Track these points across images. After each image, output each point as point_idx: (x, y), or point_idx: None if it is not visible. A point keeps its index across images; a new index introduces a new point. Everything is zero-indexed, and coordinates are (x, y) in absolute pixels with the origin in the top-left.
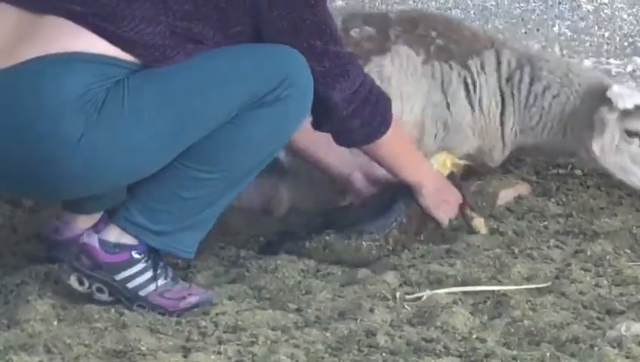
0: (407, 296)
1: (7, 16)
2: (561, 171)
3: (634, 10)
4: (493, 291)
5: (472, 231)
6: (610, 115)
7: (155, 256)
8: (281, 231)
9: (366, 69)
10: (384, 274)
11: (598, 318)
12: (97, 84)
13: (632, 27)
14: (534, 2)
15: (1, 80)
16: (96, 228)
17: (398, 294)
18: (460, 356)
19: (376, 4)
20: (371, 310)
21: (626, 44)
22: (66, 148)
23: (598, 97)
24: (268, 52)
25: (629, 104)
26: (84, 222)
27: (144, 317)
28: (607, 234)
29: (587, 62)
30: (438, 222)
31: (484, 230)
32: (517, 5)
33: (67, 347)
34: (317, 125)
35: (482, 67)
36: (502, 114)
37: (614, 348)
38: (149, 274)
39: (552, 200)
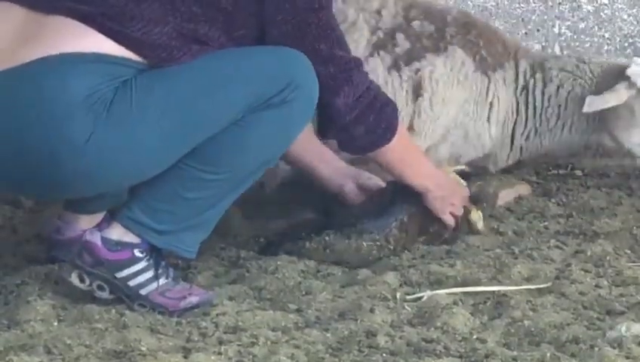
0: (408, 297)
1: (13, 15)
2: (561, 172)
3: (634, 10)
4: (494, 291)
5: (471, 228)
6: (625, 91)
7: (156, 256)
8: (281, 231)
9: (413, 67)
10: (384, 275)
11: (599, 319)
12: (105, 84)
13: (632, 28)
14: (535, 3)
15: (8, 80)
16: (98, 226)
17: (398, 295)
18: (460, 356)
19: None
20: (371, 310)
21: (626, 44)
22: (72, 148)
23: (616, 76)
24: (274, 55)
25: None
26: (86, 222)
27: (144, 318)
28: (608, 235)
29: None
30: (445, 223)
31: (480, 223)
32: (517, 6)
33: (67, 347)
34: (321, 132)
35: (504, 80)
36: (515, 122)
37: (614, 348)
38: (150, 273)
39: (553, 200)
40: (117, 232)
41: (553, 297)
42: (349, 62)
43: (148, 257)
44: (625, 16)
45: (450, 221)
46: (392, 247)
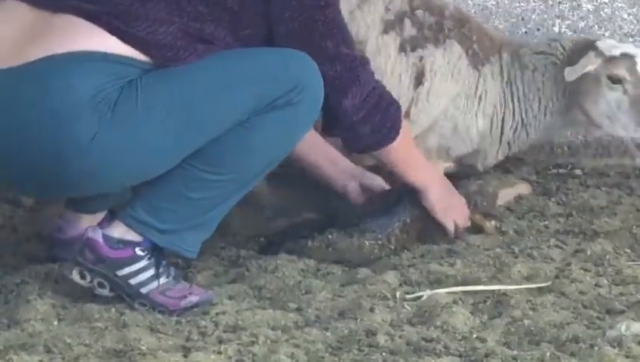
0: (408, 296)
1: (19, 13)
2: (561, 171)
3: (634, 9)
4: (494, 291)
5: (482, 232)
6: (596, 59)
7: (158, 255)
8: (281, 230)
9: (417, 54)
10: (384, 274)
11: (598, 318)
12: (111, 83)
13: (632, 27)
14: (535, 2)
15: (14, 78)
16: (101, 224)
17: (398, 294)
18: (460, 356)
19: None
20: (371, 309)
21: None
22: (77, 147)
23: (586, 48)
24: (280, 56)
25: (615, 52)
26: (87, 221)
27: (144, 317)
28: (607, 234)
29: None
30: (445, 227)
31: (493, 231)
32: (517, 5)
33: (67, 346)
34: (326, 130)
35: (492, 74)
36: (503, 115)
37: (614, 347)
38: (151, 272)
39: (552, 199)
40: (119, 230)
41: (553, 296)
42: (355, 61)
43: (149, 256)
44: (625, 15)
45: (450, 225)
46: (392, 247)
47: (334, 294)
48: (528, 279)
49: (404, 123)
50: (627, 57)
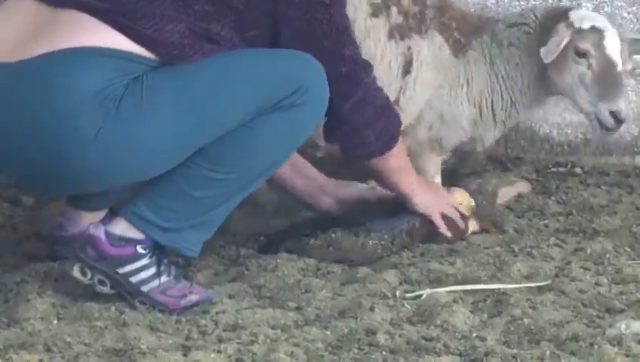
0: (408, 295)
1: (25, 8)
2: (560, 169)
3: (634, 8)
4: (493, 289)
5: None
6: (565, 30)
7: (159, 253)
8: (282, 229)
9: (406, 43)
10: (384, 273)
11: (598, 316)
12: (117, 79)
13: (632, 25)
14: (534, 0)
15: (19, 73)
16: (103, 221)
17: (398, 293)
18: (460, 354)
19: None
20: (371, 308)
21: None
22: (81, 143)
23: (559, 16)
24: (285, 57)
25: (585, 24)
26: (89, 218)
27: (144, 316)
28: (607, 233)
29: None
30: (438, 227)
31: (476, 227)
32: (517, 3)
33: (67, 345)
34: (328, 135)
35: (475, 60)
36: (492, 99)
37: (614, 346)
38: (152, 270)
39: (552, 198)
40: (121, 227)
41: (553, 295)
42: (359, 63)
43: (151, 254)
44: (625, 14)
45: (439, 222)
46: (395, 249)
47: (334, 293)
48: (528, 278)
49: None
50: (595, 31)
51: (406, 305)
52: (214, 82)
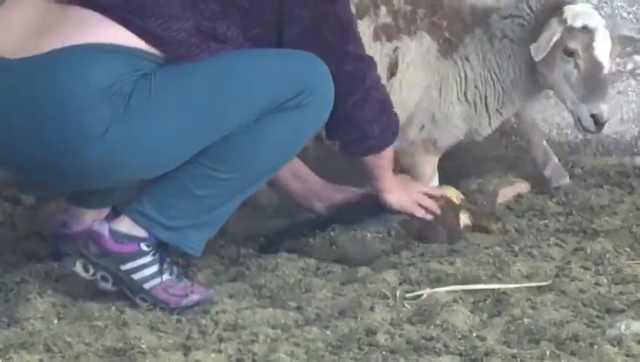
0: (408, 295)
1: (31, 4)
2: None
3: (634, 8)
4: (493, 289)
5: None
6: (557, 26)
7: (162, 251)
8: (281, 229)
9: (392, 45)
10: (384, 273)
11: (598, 316)
12: (125, 75)
13: (631, 26)
14: None
15: (29, 68)
16: (107, 218)
17: (398, 292)
18: (459, 354)
19: None
20: (371, 308)
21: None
22: (89, 139)
23: (554, 10)
24: (291, 58)
25: (577, 23)
26: (92, 216)
27: (144, 315)
28: (607, 233)
29: None
30: (420, 219)
31: (467, 220)
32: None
33: (67, 345)
34: (331, 133)
35: (467, 58)
36: (485, 93)
37: (614, 346)
38: (155, 268)
39: (552, 198)
40: (125, 225)
41: (553, 295)
42: (363, 60)
43: (154, 252)
44: (624, 14)
45: (421, 213)
46: (392, 241)
47: (334, 293)
48: (528, 278)
49: None
50: (586, 31)
51: (406, 304)
52: (221, 82)
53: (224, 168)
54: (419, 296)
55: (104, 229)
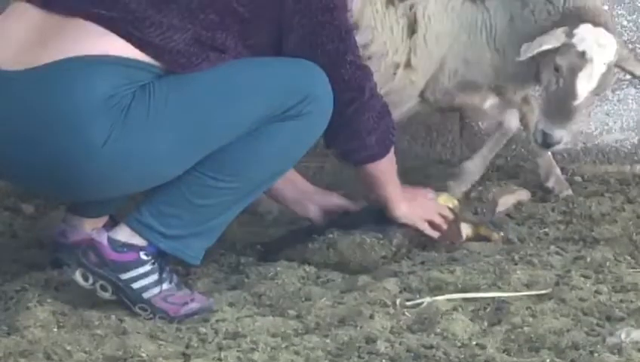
0: (408, 303)
1: (29, 16)
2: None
3: (634, 16)
4: (493, 298)
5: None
6: (560, 37)
7: (161, 260)
8: (280, 238)
9: (407, 3)
10: (384, 281)
11: (598, 325)
12: (124, 87)
13: (631, 34)
14: None
15: (27, 81)
16: (106, 227)
17: (398, 301)
18: None
19: None
20: (371, 316)
21: None
22: (89, 151)
23: (577, 20)
24: (291, 67)
25: (580, 45)
26: (90, 225)
27: (144, 324)
28: (608, 241)
29: None
30: (424, 231)
31: (469, 231)
32: None
33: (67, 353)
34: (329, 141)
35: (495, 9)
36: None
37: (614, 354)
38: (154, 277)
39: (552, 206)
40: (124, 234)
41: (553, 303)
42: (361, 69)
43: (153, 261)
44: (625, 22)
45: (429, 231)
46: (393, 249)
47: (334, 301)
48: (528, 286)
49: None
50: (581, 57)
51: (406, 313)
52: (221, 92)
53: (224, 177)
54: (419, 305)
55: (103, 238)
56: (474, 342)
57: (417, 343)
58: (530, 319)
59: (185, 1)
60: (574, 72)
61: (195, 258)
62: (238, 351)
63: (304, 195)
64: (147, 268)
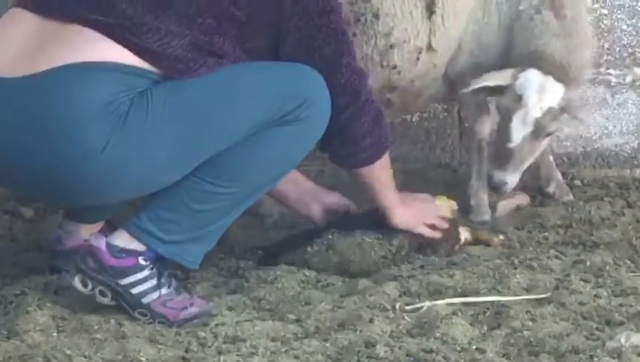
0: (407, 307)
1: (25, 22)
2: None
3: (633, 20)
4: (493, 302)
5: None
6: (507, 78)
7: (160, 265)
8: (279, 241)
9: None
10: (384, 285)
11: (598, 329)
12: (122, 93)
13: (631, 38)
14: None
15: (25, 88)
16: (104, 232)
17: (397, 305)
18: None
19: None
20: (371, 321)
21: (625, 54)
22: (87, 158)
23: (530, 61)
24: (289, 71)
25: (519, 88)
26: (86, 231)
27: (144, 328)
28: (607, 245)
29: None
30: (424, 235)
31: (468, 235)
32: None
33: (67, 358)
34: (323, 145)
35: None
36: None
37: (614, 358)
38: (153, 282)
39: (552, 210)
40: (122, 239)
41: (552, 307)
42: (356, 72)
43: (152, 266)
44: (624, 27)
45: (427, 232)
46: (393, 249)
47: (334, 305)
48: (528, 290)
49: None
50: (518, 101)
51: (406, 317)
52: (219, 97)
53: (222, 182)
54: (418, 309)
55: (102, 244)
56: (474, 346)
57: (417, 347)
58: (530, 323)
59: (182, 6)
60: (510, 114)
61: (193, 263)
62: (237, 355)
63: (306, 194)
64: (146, 273)
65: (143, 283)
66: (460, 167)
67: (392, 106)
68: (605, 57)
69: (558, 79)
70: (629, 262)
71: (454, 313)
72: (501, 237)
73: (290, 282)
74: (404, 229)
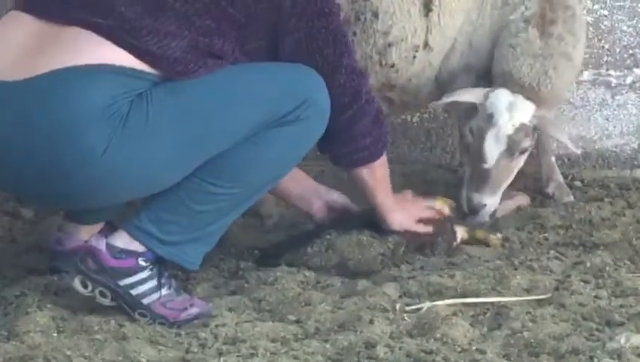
0: (407, 308)
1: (24, 25)
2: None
3: (634, 22)
4: (493, 302)
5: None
6: (478, 96)
7: (160, 266)
8: (278, 242)
9: None
10: (384, 286)
11: (598, 330)
12: (121, 96)
13: (631, 39)
14: None
15: (24, 91)
16: (104, 233)
17: (397, 306)
18: None
19: None
20: (371, 321)
21: (625, 55)
22: (88, 160)
23: (504, 80)
24: (289, 72)
25: (488, 108)
26: (86, 232)
27: (144, 329)
28: (607, 246)
29: (587, 74)
30: (420, 232)
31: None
32: None
33: (67, 359)
34: (323, 145)
35: None
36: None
37: (614, 359)
38: (153, 283)
39: (552, 211)
40: (122, 240)
41: (553, 308)
42: (356, 73)
43: (151, 267)
44: (624, 28)
45: (423, 228)
46: (391, 247)
47: (334, 306)
48: (528, 291)
49: None
50: (489, 120)
51: (406, 318)
52: (218, 98)
53: (223, 183)
54: (419, 309)
55: (101, 245)
56: (474, 347)
57: (417, 348)
58: (530, 324)
59: (181, 8)
60: (483, 133)
61: (193, 264)
62: (237, 356)
63: (308, 191)
64: (146, 274)
65: (143, 284)
66: (460, 168)
67: (393, 104)
68: (605, 58)
69: (528, 98)
70: (629, 262)
71: (454, 314)
72: (499, 235)
73: (290, 283)
74: (400, 231)
